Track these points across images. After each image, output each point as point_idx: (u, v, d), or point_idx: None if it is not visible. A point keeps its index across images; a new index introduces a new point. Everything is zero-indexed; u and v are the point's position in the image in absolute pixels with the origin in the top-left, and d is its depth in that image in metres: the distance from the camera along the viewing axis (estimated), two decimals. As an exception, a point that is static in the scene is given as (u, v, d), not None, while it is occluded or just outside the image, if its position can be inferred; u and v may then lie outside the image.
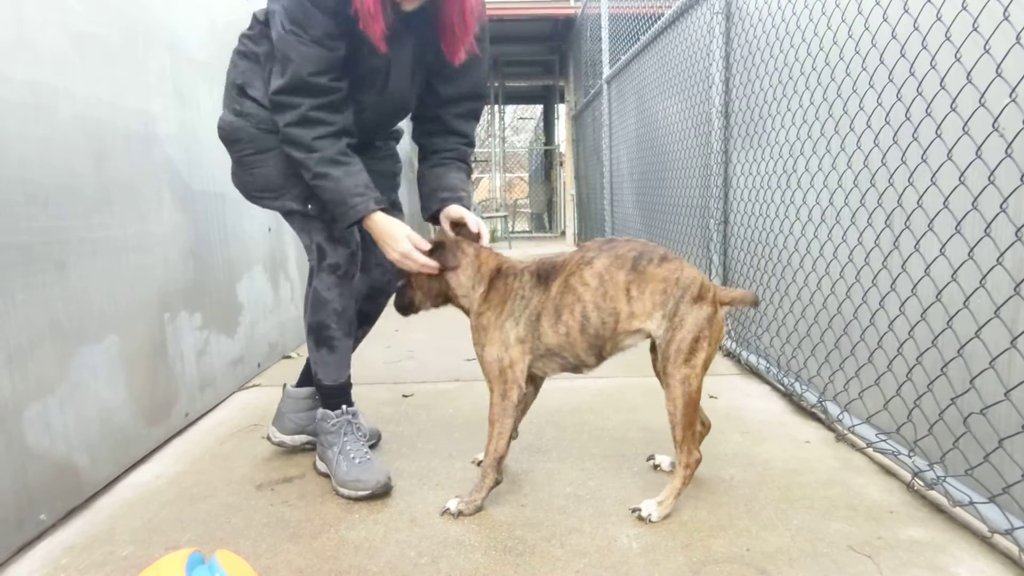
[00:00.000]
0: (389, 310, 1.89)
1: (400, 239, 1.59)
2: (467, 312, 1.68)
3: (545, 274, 1.57)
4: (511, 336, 1.56)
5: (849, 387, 2.01)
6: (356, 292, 1.80)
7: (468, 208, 1.75)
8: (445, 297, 1.70)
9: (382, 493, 1.68)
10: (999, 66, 1.37)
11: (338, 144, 1.58)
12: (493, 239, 10.63)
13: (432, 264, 1.60)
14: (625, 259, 1.52)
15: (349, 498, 1.68)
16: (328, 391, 1.80)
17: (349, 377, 1.83)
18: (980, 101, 1.41)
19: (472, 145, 1.89)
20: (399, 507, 1.64)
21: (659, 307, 1.50)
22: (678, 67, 3.70)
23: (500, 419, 1.58)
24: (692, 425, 1.51)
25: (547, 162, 14.77)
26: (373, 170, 1.73)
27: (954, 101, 1.50)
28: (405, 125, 1.98)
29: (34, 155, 1.56)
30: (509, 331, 1.56)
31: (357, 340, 1.93)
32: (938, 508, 1.56)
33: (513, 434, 1.64)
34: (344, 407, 1.79)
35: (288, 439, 1.96)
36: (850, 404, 2.01)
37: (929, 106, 1.61)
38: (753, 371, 2.75)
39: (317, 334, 1.75)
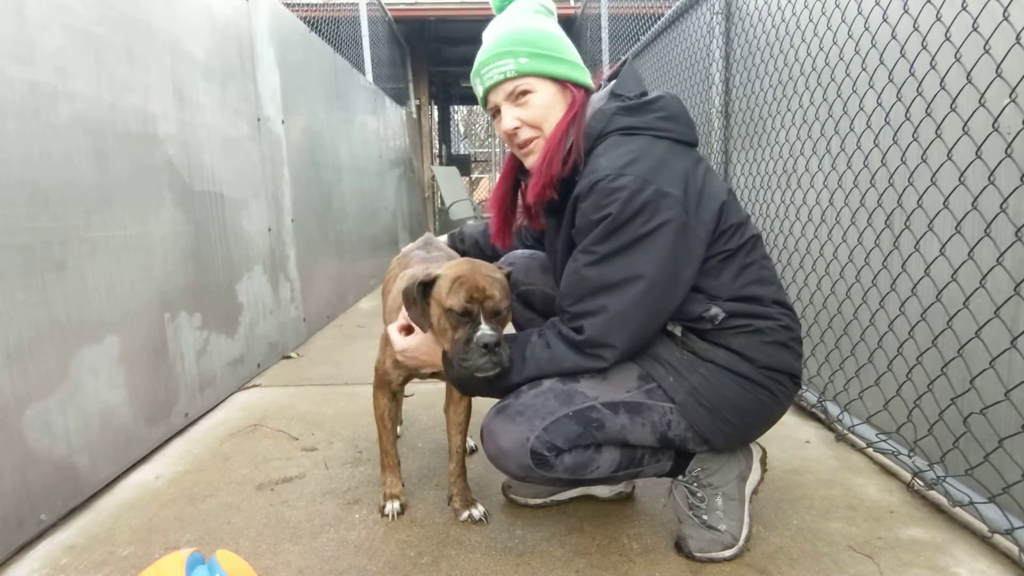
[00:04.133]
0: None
1: None
2: None
3: None
4: None
5: (849, 387, 2.01)
6: None
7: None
8: None
9: None
10: (999, 66, 1.37)
11: None
12: (493, 239, 10.58)
13: None
14: None
15: None
16: None
17: None
18: (980, 101, 1.41)
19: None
20: (399, 507, 1.64)
21: None
22: (678, 67, 3.69)
23: None
24: None
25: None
26: None
27: (954, 101, 1.50)
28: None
29: (34, 155, 1.56)
30: None
31: None
32: (938, 508, 1.56)
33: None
34: None
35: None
36: (850, 404, 2.01)
37: (929, 106, 1.61)
38: (753, 371, 2.75)
39: None
